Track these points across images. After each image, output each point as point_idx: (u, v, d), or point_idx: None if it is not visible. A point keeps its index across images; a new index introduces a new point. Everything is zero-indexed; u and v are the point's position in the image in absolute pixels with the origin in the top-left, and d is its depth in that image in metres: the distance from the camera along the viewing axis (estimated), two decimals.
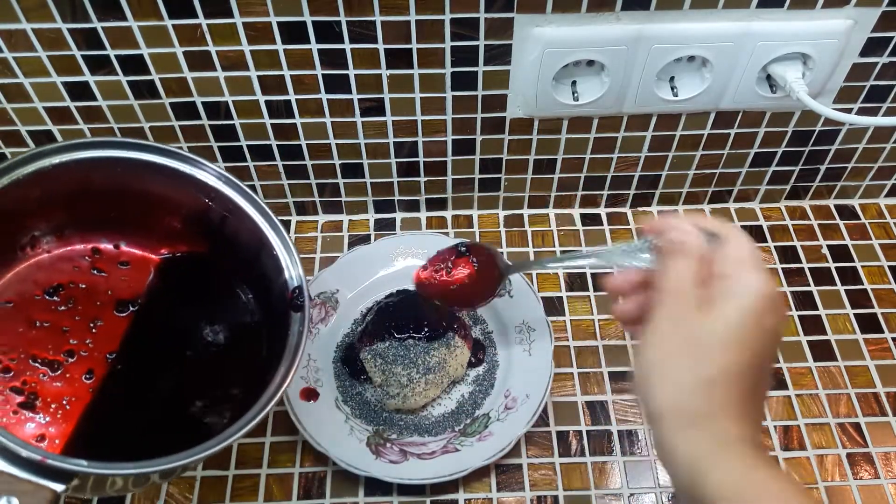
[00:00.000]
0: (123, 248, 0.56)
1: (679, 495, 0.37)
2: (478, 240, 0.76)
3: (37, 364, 0.50)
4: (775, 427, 0.63)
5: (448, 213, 0.78)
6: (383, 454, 0.59)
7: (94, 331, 0.53)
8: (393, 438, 0.61)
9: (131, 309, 0.54)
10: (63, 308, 0.53)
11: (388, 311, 0.64)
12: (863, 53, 0.62)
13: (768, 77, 0.63)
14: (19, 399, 0.49)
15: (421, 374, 0.60)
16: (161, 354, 0.54)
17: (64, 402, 0.50)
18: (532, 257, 0.75)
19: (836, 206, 0.79)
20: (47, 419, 0.49)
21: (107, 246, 0.56)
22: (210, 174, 0.52)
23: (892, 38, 0.61)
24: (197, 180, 0.52)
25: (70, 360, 0.51)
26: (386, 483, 0.59)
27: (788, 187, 0.77)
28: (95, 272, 0.55)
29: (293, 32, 0.58)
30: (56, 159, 0.48)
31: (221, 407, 0.51)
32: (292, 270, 0.53)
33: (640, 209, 0.79)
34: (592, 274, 0.73)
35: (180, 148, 0.66)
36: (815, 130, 0.70)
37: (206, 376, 0.53)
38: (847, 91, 0.66)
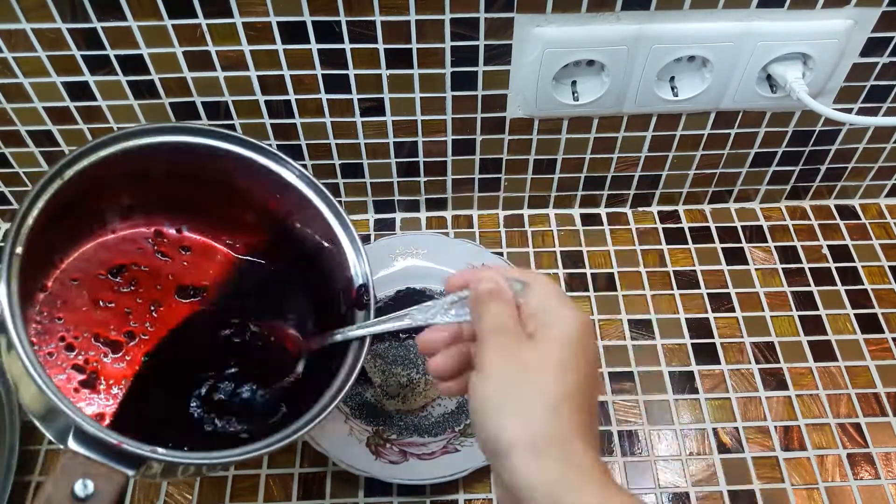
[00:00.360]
0: (185, 233, 0.56)
1: None
2: (478, 241, 0.76)
3: (99, 343, 0.50)
4: (775, 427, 0.63)
5: (448, 214, 0.78)
6: (383, 454, 0.59)
7: (154, 314, 0.53)
8: (393, 439, 0.61)
9: (192, 295, 0.54)
10: (126, 290, 0.52)
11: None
12: (863, 53, 0.62)
13: (768, 77, 0.63)
14: (81, 377, 0.49)
15: (421, 374, 0.60)
16: (218, 343, 0.53)
17: (123, 384, 0.50)
18: (532, 258, 0.75)
19: (837, 207, 0.79)
20: (107, 399, 0.49)
21: (169, 230, 0.55)
22: (280, 165, 0.52)
23: (893, 38, 0.61)
24: (267, 170, 0.52)
25: (131, 341, 0.51)
26: (386, 483, 0.59)
27: (789, 187, 0.77)
28: (158, 256, 0.55)
29: (293, 32, 0.58)
30: (141, 141, 0.48)
31: (277, 401, 0.50)
32: (358, 268, 0.52)
33: (641, 209, 0.79)
34: (593, 274, 0.73)
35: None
36: (815, 130, 0.70)
37: (264, 369, 0.52)
38: (847, 91, 0.66)
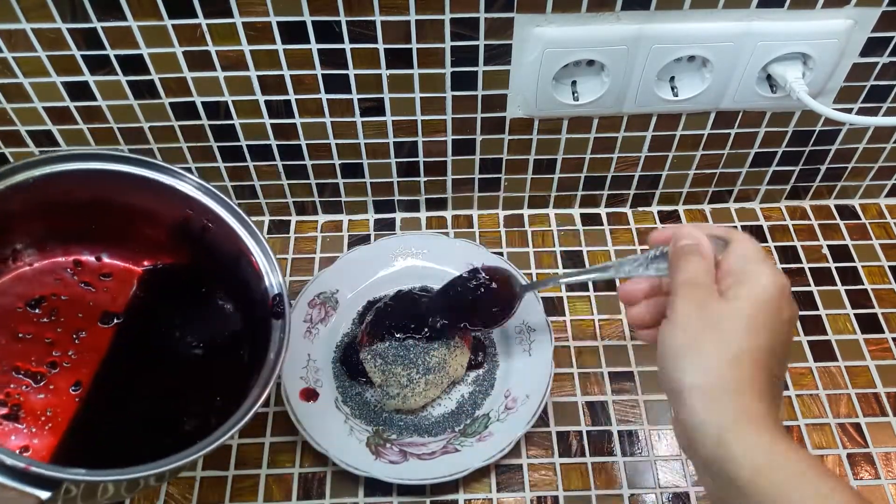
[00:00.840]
0: (105, 260, 0.57)
1: (701, 469, 0.38)
2: (478, 241, 0.76)
3: (20, 376, 0.51)
4: None
5: (448, 213, 0.78)
6: (383, 454, 0.59)
7: (77, 342, 0.53)
8: (393, 439, 0.61)
9: (115, 321, 0.55)
10: (46, 320, 0.53)
11: (387, 312, 0.64)
12: (863, 53, 0.62)
13: (768, 77, 0.63)
14: (3, 411, 0.49)
15: (421, 374, 0.60)
16: (145, 365, 0.54)
17: (49, 414, 0.50)
18: (532, 257, 0.75)
19: (837, 206, 0.79)
20: (33, 430, 0.49)
21: (88, 258, 0.56)
22: (188, 184, 0.53)
23: (893, 38, 0.61)
24: (175, 190, 0.53)
25: (53, 371, 0.51)
26: (386, 483, 0.59)
27: (789, 187, 0.77)
28: (78, 285, 0.55)
29: (293, 32, 0.58)
30: (36, 172, 0.48)
31: (206, 415, 0.50)
32: (272, 278, 0.53)
33: (641, 209, 0.79)
34: None
35: (178, 149, 0.67)
36: (815, 130, 0.70)
37: (191, 385, 0.53)
38: (847, 91, 0.66)
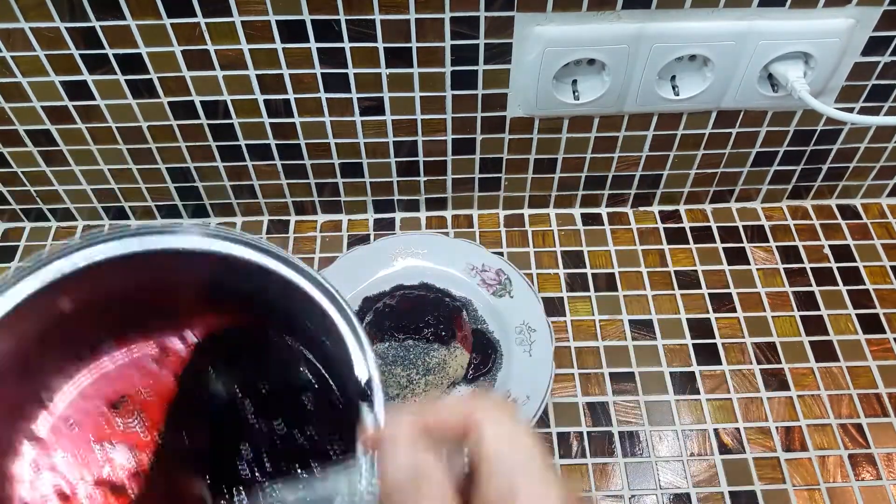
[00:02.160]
0: (191, 340, 0.48)
1: None
2: (478, 241, 0.76)
3: (98, 490, 0.43)
4: (777, 428, 0.63)
5: (448, 213, 0.78)
6: None
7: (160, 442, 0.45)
8: None
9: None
10: (132, 421, 0.45)
11: (386, 312, 0.63)
12: (864, 52, 0.62)
13: (770, 76, 0.63)
14: None
15: (420, 375, 0.60)
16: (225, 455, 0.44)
17: None
18: (533, 257, 0.75)
19: (838, 206, 0.79)
20: None
21: (175, 344, 0.48)
22: (269, 257, 0.42)
23: (894, 37, 0.61)
24: (250, 263, 0.42)
25: (134, 480, 0.44)
26: None
27: (790, 187, 0.77)
28: (164, 376, 0.47)
29: (292, 31, 0.58)
30: (95, 257, 0.40)
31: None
32: (364, 361, 0.43)
33: (642, 209, 0.78)
34: (593, 274, 0.73)
35: (177, 148, 0.67)
36: (816, 130, 0.70)
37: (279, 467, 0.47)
38: (849, 90, 0.66)
